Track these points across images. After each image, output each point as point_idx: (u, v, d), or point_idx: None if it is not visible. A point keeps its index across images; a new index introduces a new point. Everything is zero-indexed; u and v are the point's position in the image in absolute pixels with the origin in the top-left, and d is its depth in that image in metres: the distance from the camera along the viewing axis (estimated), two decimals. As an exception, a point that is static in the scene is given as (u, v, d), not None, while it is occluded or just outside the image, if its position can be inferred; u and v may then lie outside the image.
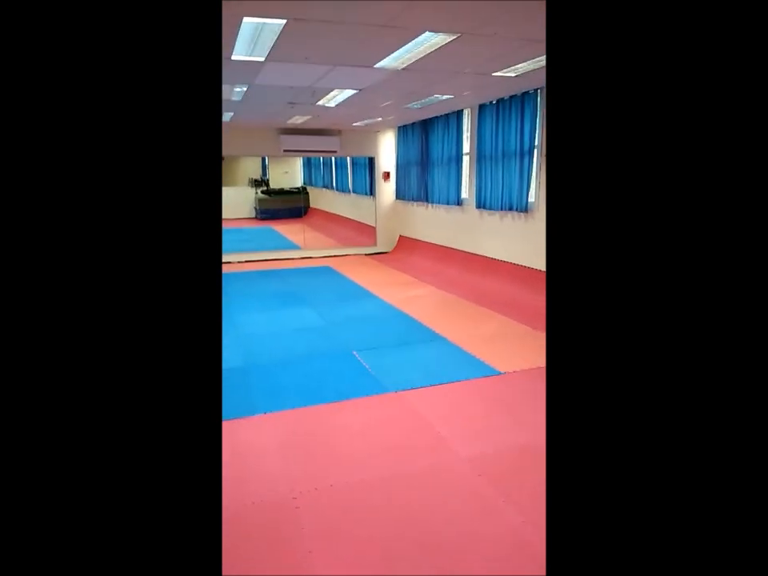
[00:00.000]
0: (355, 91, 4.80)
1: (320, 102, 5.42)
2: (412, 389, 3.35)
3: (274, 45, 3.15)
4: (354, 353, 4.06)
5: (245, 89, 4.61)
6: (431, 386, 3.40)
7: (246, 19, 2.65)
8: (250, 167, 14.24)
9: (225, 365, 3.85)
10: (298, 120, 6.92)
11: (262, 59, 3.51)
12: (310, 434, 2.80)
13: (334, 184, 12.07)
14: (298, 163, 14.43)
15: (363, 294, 6.15)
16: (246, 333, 4.64)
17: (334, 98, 5.15)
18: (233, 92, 4.78)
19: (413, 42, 3.14)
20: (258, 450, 2.64)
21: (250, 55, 3.42)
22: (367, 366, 3.78)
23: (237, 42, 3.09)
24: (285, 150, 7.92)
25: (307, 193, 13.94)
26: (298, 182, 14.54)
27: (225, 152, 8.45)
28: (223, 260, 8.27)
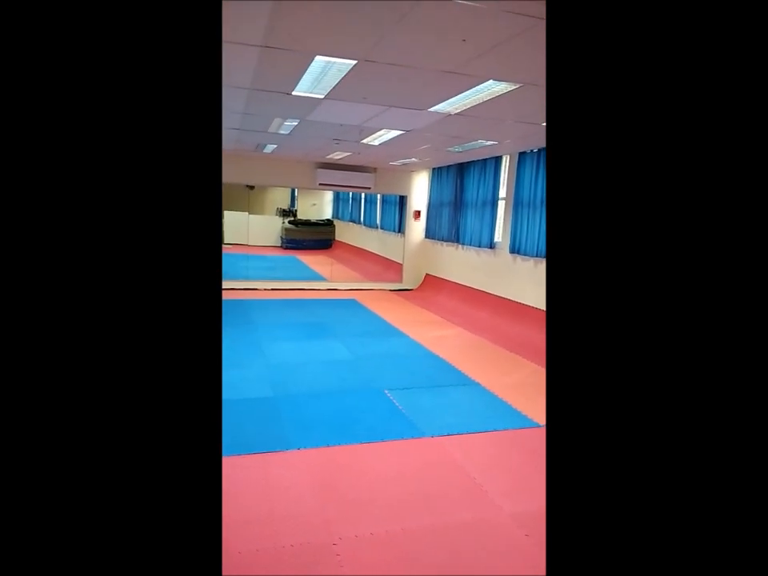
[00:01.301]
0: (402, 132, 4.89)
1: (365, 140, 5.53)
2: (449, 435, 3.24)
3: (337, 83, 3.23)
4: (386, 392, 3.98)
5: (296, 123, 4.73)
6: (469, 433, 3.28)
7: (318, 58, 2.73)
8: (278, 197, 14.56)
9: (254, 394, 3.80)
10: (337, 155, 7.07)
11: (322, 96, 3.60)
12: (345, 475, 2.70)
13: (362, 219, 12.22)
14: (327, 196, 14.72)
15: (391, 331, 6.09)
16: (274, 362, 4.59)
17: (380, 137, 5.26)
18: (283, 125, 4.90)
19: (474, 89, 3.20)
20: (292, 489, 2.55)
21: (310, 92, 3.51)
22: (400, 407, 3.68)
23: (302, 79, 3.18)
24: (320, 184, 8.07)
25: (334, 226, 14.15)
26: (326, 215, 14.79)
27: (261, 182, 8.65)
28: (249, 287, 8.32)
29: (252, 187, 13.04)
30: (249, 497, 2.45)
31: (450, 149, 5.90)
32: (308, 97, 3.64)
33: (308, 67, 2.91)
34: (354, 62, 2.76)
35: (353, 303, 7.77)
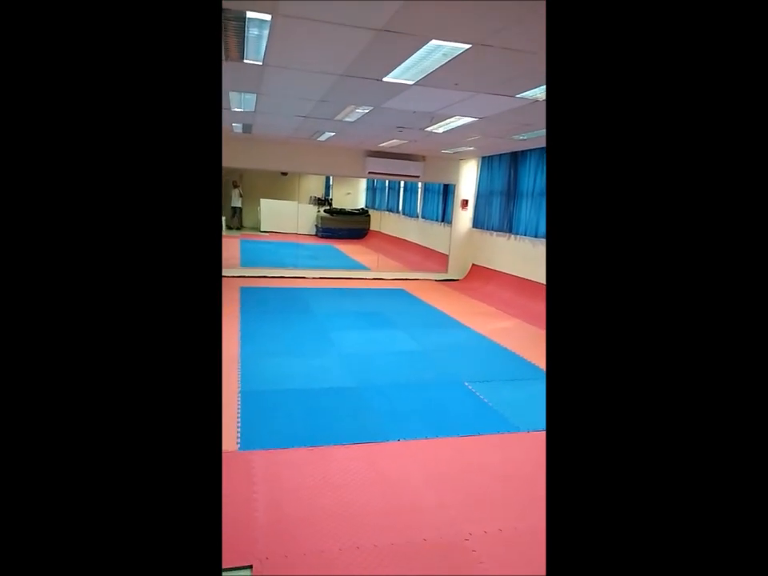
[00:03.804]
0: (474, 119, 4.78)
1: (429, 128, 5.43)
2: (544, 430, 3.19)
3: (434, 69, 3.15)
4: (467, 384, 3.93)
5: (367, 111, 4.66)
6: (565, 427, 3.23)
7: (432, 41, 2.65)
8: (312, 185, 14.53)
9: (338, 383, 3.80)
10: (391, 143, 6.98)
11: (411, 83, 3.52)
12: (454, 468, 2.67)
13: (401, 208, 12.12)
14: (361, 185, 14.64)
15: (449, 322, 6.04)
16: (346, 352, 4.58)
17: (448, 124, 5.15)
18: (353, 113, 4.84)
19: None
20: (407, 481, 2.53)
21: (400, 78, 3.43)
22: (485, 400, 3.63)
23: (400, 65, 3.10)
24: (370, 172, 8.00)
25: (368, 215, 14.08)
26: (360, 204, 14.72)
27: (311, 170, 8.61)
28: (298, 275, 8.33)
29: (285, 174, 13.05)
30: (368, 488, 2.44)
31: (515, 136, 5.77)
32: (397, 83, 3.56)
33: (415, 52, 2.83)
34: (468, 45, 2.67)
35: (402, 293, 7.73)
